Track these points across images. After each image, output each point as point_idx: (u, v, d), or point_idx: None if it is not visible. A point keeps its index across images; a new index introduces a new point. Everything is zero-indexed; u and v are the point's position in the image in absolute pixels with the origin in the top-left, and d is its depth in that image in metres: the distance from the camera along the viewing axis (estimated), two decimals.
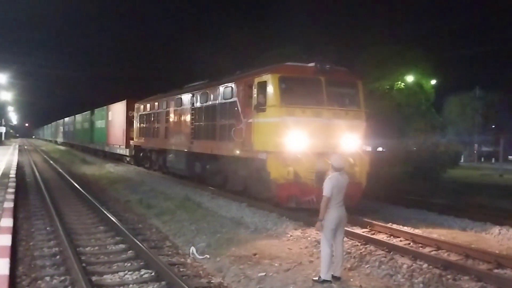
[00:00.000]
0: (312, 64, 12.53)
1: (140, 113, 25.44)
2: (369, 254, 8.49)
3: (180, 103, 19.05)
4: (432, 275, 7.25)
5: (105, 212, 11.93)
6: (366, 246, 9.11)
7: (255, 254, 8.32)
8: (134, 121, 26.75)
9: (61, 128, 67.38)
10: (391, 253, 8.59)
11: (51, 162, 32.47)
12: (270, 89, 12.30)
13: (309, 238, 9.67)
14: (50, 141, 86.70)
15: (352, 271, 7.61)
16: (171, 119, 20.12)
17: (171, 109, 20.11)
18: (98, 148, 38.64)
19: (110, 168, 27.27)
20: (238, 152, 13.65)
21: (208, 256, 8.34)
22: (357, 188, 12.50)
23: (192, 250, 8.61)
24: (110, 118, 34.21)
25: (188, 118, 17.98)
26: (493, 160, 44.76)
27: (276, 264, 7.73)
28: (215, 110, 15.48)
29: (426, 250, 9.01)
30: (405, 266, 7.73)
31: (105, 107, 36.50)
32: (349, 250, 8.65)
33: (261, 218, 11.72)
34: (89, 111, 43.59)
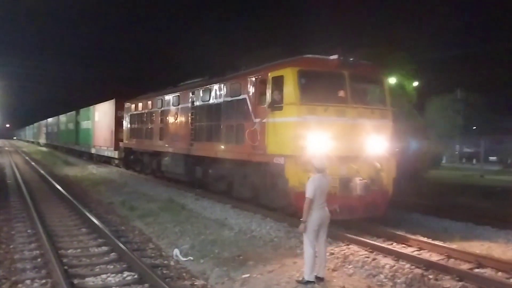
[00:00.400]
0: (334, 57, 11.10)
1: (130, 113, 23.77)
2: (352, 254, 8.56)
3: (177, 101, 17.48)
4: (415, 275, 7.34)
5: (87, 214, 11.66)
6: (349, 247, 9.16)
7: (239, 256, 8.30)
8: (124, 121, 25.07)
9: (44, 129, 65.11)
10: (374, 253, 8.67)
11: (33, 163, 31.60)
12: (288, 84, 10.84)
13: (293, 239, 9.61)
14: (32, 142, 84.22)
15: (336, 271, 7.63)
16: (167, 119, 18.53)
17: (167, 108, 18.51)
18: (84, 150, 36.76)
19: (93, 169, 26.99)
20: (248, 155, 12.17)
21: (191, 258, 8.24)
22: (383, 196, 11.16)
23: (176, 252, 8.49)
24: (97, 119, 32.42)
25: (186, 118, 16.42)
26: (474, 161, 44.99)
27: (260, 266, 7.76)
28: (219, 109, 13.96)
29: (409, 250, 9.02)
30: (387, 266, 7.84)
31: (91, 106, 34.68)
32: (332, 251, 8.70)
33: (246, 219, 11.66)
34: (74, 111, 41.66)
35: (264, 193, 12.17)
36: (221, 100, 13.91)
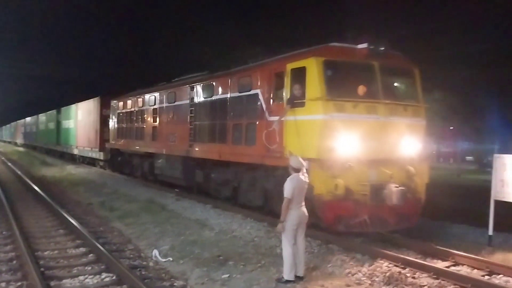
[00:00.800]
0: (364, 45, 9.70)
1: (118, 111, 22.07)
2: (331, 253, 8.59)
3: (173, 98, 15.90)
4: (392, 273, 7.41)
5: (65, 215, 11.37)
6: (328, 246, 9.12)
7: (219, 256, 8.23)
8: (110, 120, 23.37)
9: (22, 129, 62.53)
10: (351, 252, 8.65)
11: (9, 164, 30.65)
12: (311, 77, 9.41)
13: (273, 239, 9.49)
14: (9, 142, 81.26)
15: (315, 270, 7.62)
16: (161, 118, 16.94)
17: (161, 106, 16.92)
18: (66, 151, 34.78)
19: (72, 170, 26.45)
20: (261, 158, 10.71)
21: (171, 259, 8.13)
22: (416, 205, 9.83)
23: (155, 253, 8.36)
24: (80, 118, 30.55)
25: (184, 116, 14.87)
26: (451, 161, 45.77)
27: (240, 266, 7.72)
28: (225, 106, 12.46)
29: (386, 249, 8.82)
30: (366, 264, 7.92)
31: (73, 105, 32.77)
32: (312, 250, 8.73)
33: (226, 219, 11.53)
34: (54, 110, 39.57)
35: (279, 201, 10.70)
36: (226, 95, 12.40)
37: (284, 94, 10.10)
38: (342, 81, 9.58)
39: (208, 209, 12.92)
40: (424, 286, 7.03)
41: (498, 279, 7.51)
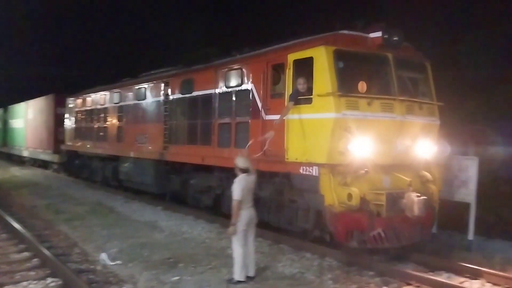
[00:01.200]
0: (377, 34, 8.48)
1: (76, 110, 20.04)
2: (282, 253, 8.60)
3: (143, 94, 14.20)
4: (341, 272, 7.54)
5: (7, 218, 10.90)
6: (279, 245, 9.06)
7: (169, 258, 8.13)
8: (66, 120, 21.26)
9: None
10: (301, 251, 8.61)
11: None
12: (320, 69, 8.10)
13: (224, 240, 9.32)
14: None
15: (266, 270, 7.60)
16: (128, 117, 15.19)
17: (128, 103, 15.17)
18: (14, 153, 32.00)
19: (16, 171, 25.46)
20: (255, 163, 9.29)
21: (120, 262, 7.95)
22: (430, 213, 8.70)
23: (103, 257, 8.15)
24: (30, 116, 28.03)
25: (157, 114, 13.23)
26: None
27: (191, 268, 7.67)
28: (209, 103, 10.95)
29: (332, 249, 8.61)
30: (315, 263, 7.98)
31: (23, 103, 30.14)
32: (263, 250, 8.67)
33: (177, 221, 11.38)
34: (1, 109, 36.53)
35: (277, 212, 9.35)
36: (211, 91, 10.89)
37: (284, 89, 8.74)
38: (354, 75, 8.36)
39: (158, 211, 12.81)
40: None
41: None
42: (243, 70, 9.87)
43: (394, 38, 8.63)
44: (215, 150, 10.66)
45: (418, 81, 9.14)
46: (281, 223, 9.32)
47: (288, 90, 8.62)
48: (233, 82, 10.16)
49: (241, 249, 6.85)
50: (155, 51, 33.16)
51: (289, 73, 8.65)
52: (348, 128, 7.93)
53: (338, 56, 8.08)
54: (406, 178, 8.40)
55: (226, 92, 10.37)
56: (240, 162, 7.19)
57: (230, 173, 10.33)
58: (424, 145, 8.79)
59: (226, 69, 10.46)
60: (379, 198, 7.98)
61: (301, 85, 8.47)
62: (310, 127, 8.22)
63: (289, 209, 9.02)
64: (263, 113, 9.19)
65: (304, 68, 8.40)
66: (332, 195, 7.87)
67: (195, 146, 11.46)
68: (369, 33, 8.59)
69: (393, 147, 8.39)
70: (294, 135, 8.50)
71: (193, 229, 10.51)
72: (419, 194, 8.15)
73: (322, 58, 8.06)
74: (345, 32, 8.57)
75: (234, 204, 6.82)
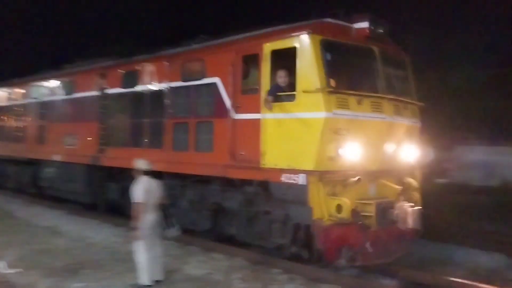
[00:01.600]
0: (364, 24, 7.57)
1: None
2: (191, 255, 8.40)
3: (72, 88, 12.26)
4: (249, 271, 7.46)
5: None
6: (188, 247, 8.82)
7: (72, 264, 7.83)
8: None
9: None
10: (211, 252, 8.45)
11: None
12: (305, 61, 7.00)
13: (130, 244, 8.25)
14: None
15: (175, 272, 7.38)
16: (51, 114, 13.09)
17: (52, 99, 13.08)
18: None
19: None
20: (222, 170, 8.03)
21: (20, 270, 7.49)
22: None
23: (0, 265, 7.68)
24: None
25: (91, 112, 11.39)
26: None
27: (95, 273, 7.35)
28: (160, 100, 9.43)
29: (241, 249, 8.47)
30: (224, 264, 7.85)
31: None
32: (171, 253, 8.35)
33: (81, 226, 10.85)
34: None
35: (246, 225, 8.11)
36: (163, 85, 9.38)
37: (260, 83, 7.53)
38: (342, 69, 7.34)
39: (61, 215, 12.14)
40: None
41: None
42: (206, 61, 8.52)
43: (380, 30, 7.80)
44: (169, 154, 9.18)
45: (400, 78, 8.36)
46: (251, 238, 8.11)
47: (265, 85, 7.43)
48: (193, 75, 8.77)
49: (146, 254, 6.58)
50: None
51: (265, 65, 7.46)
52: (339, 130, 6.93)
53: (325, 46, 7.05)
54: (395, 186, 7.60)
55: (183, 86, 8.94)
56: (141, 163, 6.91)
57: (188, 180, 9.02)
58: (409, 149, 8.06)
59: (183, 60, 9.03)
60: (367, 208, 7.05)
61: (282, 78, 7.35)
62: (294, 128, 7.09)
63: (262, 222, 7.83)
64: (232, 111, 7.91)
65: (285, 59, 7.29)
66: (321, 207, 6.82)
67: (140, 149, 9.86)
68: (353, 23, 7.66)
69: (380, 151, 7.53)
70: (273, 137, 7.32)
71: (98, 233, 10.07)
72: (412, 204, 7.37)
73: (308, 48, 6.97)
74: (330, 20, 7.55)
75: (138, 207, 6.49)
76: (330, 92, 6.84)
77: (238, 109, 7.84)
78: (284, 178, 7.04)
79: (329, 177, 6.89)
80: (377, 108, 7.37)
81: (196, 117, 8.64)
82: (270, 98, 7.26)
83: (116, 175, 10.82)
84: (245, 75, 7.96)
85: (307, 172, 6.79)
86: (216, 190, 8.57)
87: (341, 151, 6.90)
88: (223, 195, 8.41)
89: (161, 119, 9.35)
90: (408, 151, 8.02)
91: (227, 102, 8.01)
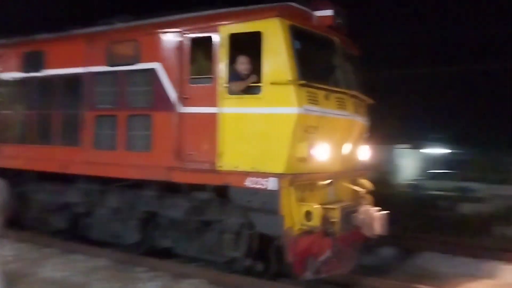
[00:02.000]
0: (327, 13, 6.90)
1: None
2: (45, 258, 7.77)
3: None
4: (112, 271, 7.18)
5: None
6: (45, 250, 8.15)
7: None
8: None
9: None
10: (71, 254, 7.94)
11: None
12: (273, 49, 6.12)
13: None
14: None
15: (28, 277, 6.83)
16: None
17: None
18: None
19: None
20: (165, 172, 6.81)
21: None
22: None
23: None
24: None
25: None
26: None
27: None
28: (76, 87, 7.80)
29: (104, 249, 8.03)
30: (86, 265, 7.45)
31: None
32: (25, 256, 7.80)
33: None
34: None
35: (192, 237, 6.99)
36: (80, 70, 7.77)
37: (216, 72, 6.46)
38: (306, 60, 6.57)
39: None
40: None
41: None
42: (141, 43, 7.15)
43: (341, 21, 7.22)
44: (88, 153, 7.62)
45: (354, 74, 7.86)
46: (196, 252, 7.02)
47: (222, 74, 6.39)
48: (123, 59, 7.33)
49: None
50: None
51: (222, 51, 6.41)
52: (309, 128, 6.18)
53: (294, 33, 6.23)
54: (357, 188, 7.12)
55: (109, 72, 7.44)
56: None
57: (112, 185, 7.60)
58: (363, 148, 7.63)
59: (109, 41, 7.52)
60: (331, 214, 6.42)
61: (244, 65, 6.40)
62: (259, 125, 6.17)
63: (212, 234, 6.79)
64: (177, 104, 6.71)
65: (247, 46, 6.31)
66: (292, 215, 6.02)
67: (48, 147, 8.11)
68: (314, 10, 6.95)
69: (340, 151, 6.97)
70: (233, 135, 6.32)
71: None
72: (379, 208, 6.91)
73: (277, 34, 6.09)
74: (294, 4, 6.72)
75: None
76: (302, 85, 6.05)
77: (185, 101, 6.67)
78: (249, 182, 6.09)
79: (300, 181, 6.12)
80: (341, 104, 6.78)
81: (128, 109, 7.24)
82: (225, 91, 6.25)
83: (11, 179, 8.81)
84: (195, 61, 6.82)
85: (279, 176, 5.93)
86: (149, 196, 7.29)
87: (312, 152, 6.17)
88: (161, 202, 7.17)
89: (77, 110, 7.74)
90: (361, 151, 7.60)
91: (171, 92, 6.78)
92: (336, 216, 6.35)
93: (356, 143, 7.39)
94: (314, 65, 6.73)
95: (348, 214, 6.59)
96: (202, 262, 7.13)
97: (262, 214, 6.09)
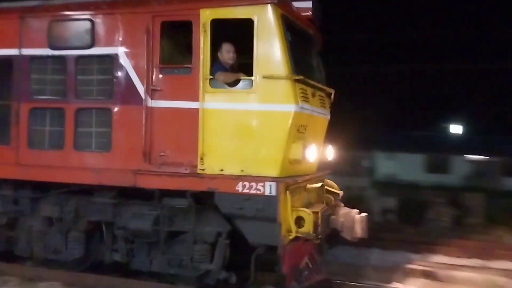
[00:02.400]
0: (307, 5, 6.44)
1: None
2: None
3: None
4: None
5: None
6: None
7: None
8: None
9: None
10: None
11: None
12: (266, 39, 5.51)
13: None
14: None
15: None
16: None
17: None
18: None
19: None
20: (129, 176, 5.81)
21: None
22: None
23: None
24: None
25: None
26: None
27: None
28: (6, 73, 6.36)
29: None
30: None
31: None
32: None
33: None
34: None
35: (164, 252, 6.06)
36: (11, 52, 6.33)
37: (197, 61, 5.64)
38: (295, 54, 6.06)
39: None
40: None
41: None
42: (96, 23, 6.01)
43: (317, 15, 6.84)
44: (22, 154, 6.24)
45: (321, 70, 7.52)
46: (160, 267, 6.11)
47: (203, 64, 5.59)
48: (71, 41, 6.10)
49: None
50: None
51: (204, 38, 5.62)
52: (301, 128, 5.71)
53: (286, 23, 5.71)
54: (335, 190, 6.81)
55: (53, 56, 6.15)
56: None
57: (48, 192, 6.35)
58: (329, 147, 7.35)
59: (52, 19, 6.22)
60: (315, 218, 6.00)
61: (230, 53, 5.71)
62: (250, 123, 5.52)
63: (182, 245, 5.95)
64: (146, 97, 5.75)
65: (234, 33, 5.63)
66: (288, 221, 5.49)
67: None
68: (294, 1, 6.49)
69: (317, 151, 6.60)
70: (217, 134, 5.57)
71: None
72: (357, 211, 6.65)
73: (271, 23, 5.50)
74: None
75: None
76: (295, 81, 5.54)
77: (156, 94, 5.75)
78: (241, 187, 5.40)
79: (296, 184, 5.60)
80: (322, 102, 6.42)
81: (77, 101, 6.04)
82: (207, 83, 5.51)
83: None
84: (168, 48, 5.91)
85: (277, 180, 5.34)
86: (101, 204, 6.19)
87: (306, 153, 5.70)
88: (117, 211, 6.12)
89: (7, 102, 6.30)
90: (329, 150, 7.32)
91: (137, 83, 5.80)
92: (318, 220, 5.96)
93: (324, 141, 7.09)
94: (300, 59, 6.26)
95: (327, 217, 6.25)
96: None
97: (255, 222, 5.44)
